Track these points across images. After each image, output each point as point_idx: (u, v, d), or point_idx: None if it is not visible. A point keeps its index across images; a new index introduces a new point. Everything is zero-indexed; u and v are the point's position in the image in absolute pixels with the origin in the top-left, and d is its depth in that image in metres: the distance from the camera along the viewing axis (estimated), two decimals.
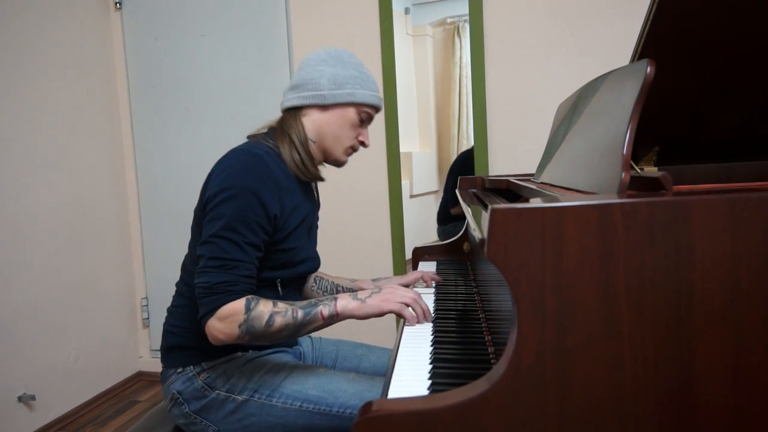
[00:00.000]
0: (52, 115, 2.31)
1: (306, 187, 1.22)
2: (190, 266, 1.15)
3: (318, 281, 1.40)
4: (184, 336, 1.14)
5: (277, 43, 2.43)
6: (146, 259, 2.74)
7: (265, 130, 1.22)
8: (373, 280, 1.39)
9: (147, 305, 2.76)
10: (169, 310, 1.20)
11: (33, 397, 2.14)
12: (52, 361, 2.26)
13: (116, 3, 2.65)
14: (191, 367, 1.12)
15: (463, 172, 2.33)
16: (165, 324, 1.19)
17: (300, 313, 1.02)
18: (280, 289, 1.15)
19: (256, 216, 1.04)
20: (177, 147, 2.63)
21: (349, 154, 1.22)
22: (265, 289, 1.11)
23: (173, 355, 1.15)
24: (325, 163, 1.24)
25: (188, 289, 1.15)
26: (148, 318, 2.76)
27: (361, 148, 1.23)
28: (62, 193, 2.34)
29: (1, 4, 2.11)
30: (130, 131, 2.69)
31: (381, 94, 1.21)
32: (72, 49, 2.42)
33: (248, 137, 1.24)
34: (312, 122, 1.17)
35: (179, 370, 1.13)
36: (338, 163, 1.22)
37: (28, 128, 2.20)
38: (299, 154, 1.15)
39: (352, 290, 1.38)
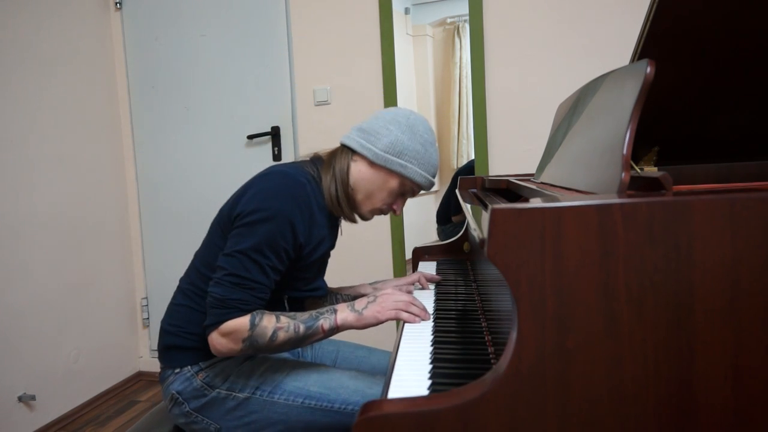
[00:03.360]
0: (52, 115, 2.31)
1: (334, 223, 1.21)
2: (201, 267, 1.15)
3: None
4: (182, 336, 1.14)
5: (277, 43, 2.43)
6: (146, 259, 2.74)
7: (308, 157, 1.22)
8: (371, 284, 1.39)
9: (147, 305, 2.76)
10: (169, 307, 1.19)
11: (33, 397, 2.14)
12: (52, 361, 2.26)
13: (116, 3, 2.65)
14: (189, 367, 1.13)
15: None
16: (163, 322, 1.18)
17: (302, 328, 1.04)
18: (286, 304, 1.16)
19: (286, 243, 1.04)
20: (177, 147, 2.63)
21: (374, 214, 1.21)
22: (271, 302, 1.12)
23: (171, 354, 1.15)
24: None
25: (194, 288, 1.15)
26: (148, 318, 2.76)
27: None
28: (62, 193, 2.33)
29: (1, 4, 2.11)
30: (130, 131, 2.69)
31: (435, 177, 1.20)
32: (72, 49, 2.42)
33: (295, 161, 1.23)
34: (357, 170, 1.16)
35: (177, 370, 1.13)
36: (360, 219, 1.22)
37: (28, 128, 2.20)
38: (336, 189, 1.15)
39: (351, 297, 1.38)
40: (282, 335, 1.02)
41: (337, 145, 1.22)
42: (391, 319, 1.05)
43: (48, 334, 2.25)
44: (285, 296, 1.15)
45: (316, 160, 1.21)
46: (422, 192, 1.22)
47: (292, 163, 1.17)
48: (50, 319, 2.26)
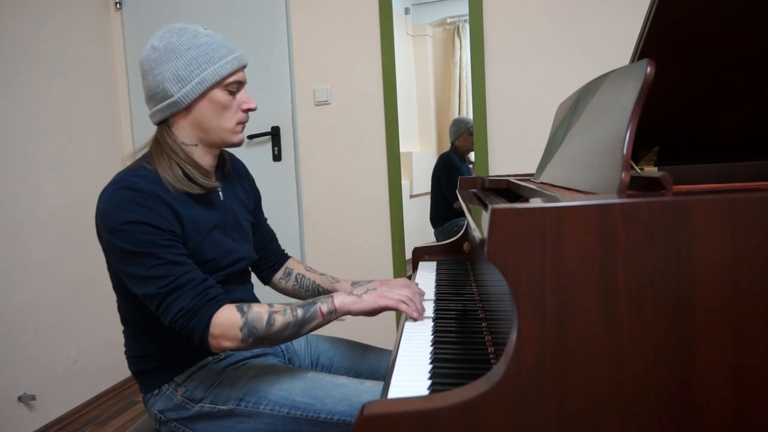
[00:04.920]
0: (52, 115, 2.31)
1: (202, 196, 1.12)
2: (115, 293, 1.13)
3: (299, 280, 1.37)
4: (143, 361, 1.13)
5: (277, 43, 2.43)
6: None
7: (146, 150, 1.14)
8: (353, 284, 1.34)
9: None
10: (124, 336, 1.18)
11: (33, 397, 2.14)
12: (52, 361, 2.26)
13: (116, 3, 2.65)
14: (166, 385, 1.11)
15: (447, 176, 2.36)
16: (125, 353, 1.17)
17: (299, 311, 1.01)
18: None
19: (156, 236, 0.99)
20: None
21: (241, 130, 1.14)
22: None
23: (144, 378, 1.14)
24: (225, 148, 1.18)
25: (125, 319, 1.15)
26: None
27: (251, 114, 1.15)
28: (62, 193, 2.33)
29: (1, 4, 2.11)
30: (130, 131, 2.69)
31: (235, 51, 1.11)
32: (72, 49, 2.42)
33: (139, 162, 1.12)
34: (183, 129, 1.09)
35: (155, 391, 1.12)
36: (235, 145, 1.14)
37: (28, 128, 2.20)
38: (181, 168, 1.07)
39: (332, 291, 1.35)
40: (279, 318, 0.99)
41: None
42: (390, 308, 1.02)
43: (48, 334, 2.24)
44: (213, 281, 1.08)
45: (145, 155, 1.12)
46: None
47: (124, 168, 1.09)
48: (50, 319, 2.26)
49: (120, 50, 2.67)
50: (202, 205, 1.12)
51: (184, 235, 1.05)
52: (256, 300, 1.22)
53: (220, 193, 1.19)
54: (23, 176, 2.17)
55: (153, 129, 1.15)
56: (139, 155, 1.14)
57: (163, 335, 1.09)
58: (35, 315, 2.19)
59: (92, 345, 2.46)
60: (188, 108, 1.07)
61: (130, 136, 2.69)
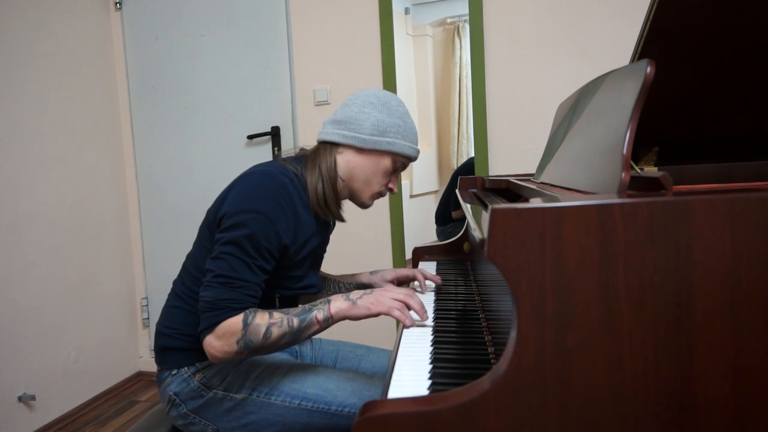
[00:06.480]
0: (52, 115, 2.31)
1: (323, 220, 1.20)
2: (192, 269, 1.15)
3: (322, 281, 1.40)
4: (177, 337, 1.14)
5: (277, 43, 2.43)
6: (146, 259, 2.74)
7: (293, 154, 1.22)
8: (371, 273, 1.39)
9: (147, 305, 2.76)
10: (163, 310, 1.19)
11: (33, 397, 2.14)
12: (52, 361, 2.26)
13: (116, 3, 2.65)
14: (186, 368, 1.12)
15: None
16: (158, 324, 1.18)
17: (295, 321, 1.02)
18: (278, 303, 1.16)
19: (269, 243, 1.04)
20: (177, 147, 2.63)
21: (375, 199, 1.22)
22: (263, 302, 1.11)
23: (167, 356, 1.15)
24: (350, 201, 1.24)
25: (186, 290, 1.15)
26: (148, 318, 2.76)
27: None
28: (62, 193, 2.33)
29: (1, 4, 2.11)
30: (130, 131, 2.69)
31: (418, 146, 1.22)
32: (72, 49, 2.42)
33: (277, 158, 1.22)
34: (346, 162, 1.17)
35: (174, 372, 1.13)
36: (363, 206, 1.23)
37: (28, 128, 2.20)
38: (324, 189, 1.14)
39: (352, 286, 1.39)
40: (276, 331, 1.01)
41: (310, 144, 1.21)
42: (383, 314, 1.03)
43: (48, 334, 2.25)
44: (276, 295, 1.14)
45: (301, 157, 1.20)
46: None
47: (275, 161, 1.16)
48: (50, 319, 2.26)
49: (120, 50, 2.67)
50: (317, 226, 1.18)
51: (290, 248, 1.10)
52: None
53: (331, 225, 1.28)
54: (23, 176, 2.17)
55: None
56: (283, 155, 1.21)
57: None
58: (35, 315, 2.19)
59: (92, 345, 2.47)
60: (362, 151, 1.16)
61: (129, 136, 2.69)
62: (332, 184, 1.15)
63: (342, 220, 1.21)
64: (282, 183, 1.07)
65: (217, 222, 1.08)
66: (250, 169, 1.13)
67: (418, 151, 1.20)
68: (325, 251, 1.32)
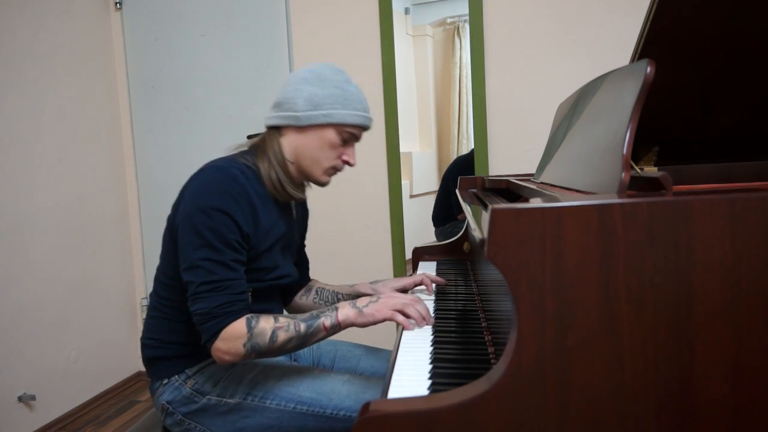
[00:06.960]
0: (52, 115, 2.31)
1: (284, 207, 1.20)
2: (162, 277, 1.15)
3: (320, 293, 1.39)
4: (161, 347, 1.14)
5: (277, 43, 2.43)
6: (146, 259, 2.74)
7: (245, 148, 1.20)
8: (371, 283, 1.37)
9: (147, 305, 2.76)
10: (145, 322, 1.19)
11: (33, 397, 2.14)
12: (52, 361, 2.26)
13: (116, 3, 2.65)
14: (176, 376, 1.12)
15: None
16: (142, 338, 1.18)
17: (302, 326, 1.03)
18: (250, 298, 1.13)
19: (234, 234, 1.03)
20: (177, 147, 2.63)
21: (331, 174, 1.18)
22: None
23: (156, 367, 1.14)
24: (309, 181, 1.22)
25: (160, 299, 1.15)
26: None
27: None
28: (62, 193, 2.33)
29: (1, 4, 2.11)
30: (130, 131, 2.69)
31: (368, 112, 1.17)
32: (72, 49, 2.42)
33: (235, 150, 1.20)
34: (289, 143, 1.14)
35: (165, 381, 1.13)
36: (319, 184, 1.19)
37: (28, 128, 2.20)
38: (276, 174, 1.13)
39: (352, 296, 1.38)
40: (282, 335, 1.01)
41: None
42: (387, 319, 1.04)
43: (48, 334, 2.24)
44: (249, 289, 1.12)
45: (248, 150, 1.18)
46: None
47: (226, 156, 1.15)
48: (50, 319, 2.26)
49: (120, 50, 2.67)
50: (279, 213, 1.17)
51: (252, 238, 1.09)
52: (281, 312, 1.25)
53: (294, 211, 1.26)
54: (23, 176, 2.17)
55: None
56: (236, 151, 1.19)
57: (189, 325, 1.09)
58: (35, 315, 2.19)
59: (92, 345, 2.46)
60: (302, 129, 1.13)
61: (129, 136, 2.69)
62: (283, 169, 1.14)
63: (300, 198, 1.19)
64: (233, 175, 1.06)
65: (176, 226, 1.08)
66: (203, 166, 1.12)
67: (364, 117, 1.15)
68: (299, 239, 1.30)
